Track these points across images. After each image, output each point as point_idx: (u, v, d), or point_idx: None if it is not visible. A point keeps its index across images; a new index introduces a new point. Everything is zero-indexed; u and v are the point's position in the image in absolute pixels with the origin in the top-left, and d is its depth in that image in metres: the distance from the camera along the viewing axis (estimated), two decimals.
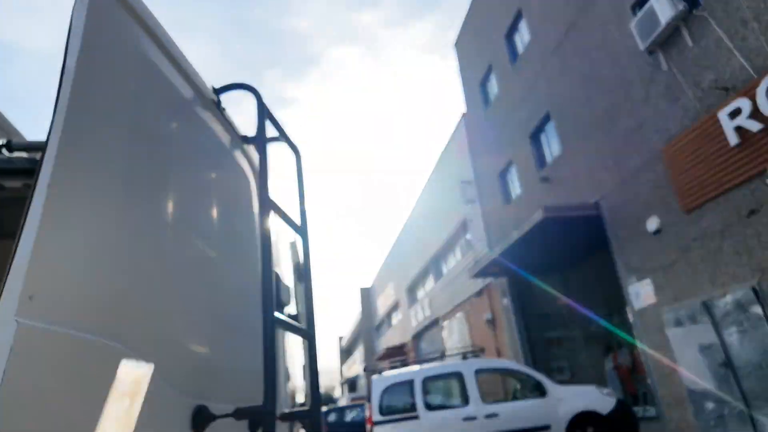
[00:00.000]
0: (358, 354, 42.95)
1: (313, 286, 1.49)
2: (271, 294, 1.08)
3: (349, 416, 15.24)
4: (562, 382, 11.91)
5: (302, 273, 1.51)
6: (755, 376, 6.79)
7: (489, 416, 7.55)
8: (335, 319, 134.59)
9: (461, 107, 18.80)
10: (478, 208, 16.64)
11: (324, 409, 16.79)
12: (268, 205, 1.22)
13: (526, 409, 7.61)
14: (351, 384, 34.08)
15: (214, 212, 1.36)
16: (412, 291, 26.73)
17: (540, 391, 7.72)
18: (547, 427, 7.39)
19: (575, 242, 11.51)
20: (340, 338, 57.24)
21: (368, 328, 40.24)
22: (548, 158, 12.58)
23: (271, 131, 1.51)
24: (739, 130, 6.80)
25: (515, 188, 14.48)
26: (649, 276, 8.77)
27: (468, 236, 17.83)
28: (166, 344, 1.01)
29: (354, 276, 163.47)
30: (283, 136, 1.55)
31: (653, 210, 8.60)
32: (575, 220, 10.03)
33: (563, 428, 7.35)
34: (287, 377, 1.60)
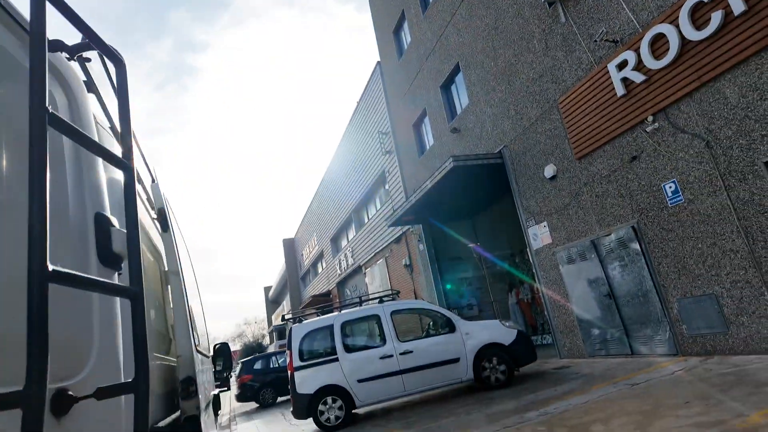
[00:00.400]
0: (286, 303, 43.30)
1: (138, 233, 1.17)
2: (41, 239, 0.77)
3: (277, 362, 15.74)
4: (471, 318, 12.98)
5: (131, 216, 1.14)
6: (632, 305, 7.84)
7: (404, 353, 8.08)
8: (262, 270, 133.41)
9: (376, 56, 18.51)
10: (395, 159, 16.90)
11: (248, 358, 17.02)
12: (41, 122, 0.86)
13: (437, 345, 8.21)
14: (279, 332, 34.68)
15: None
16: (335, 241, 27.05)
17: (450, 327, 8.35)
18: (457, 359, 8.09)
19: (482, 189, 12.19)
20: (267, 288, 57.15)
21: (294, 277, 40.45)
22: (458, 109, 12.94)
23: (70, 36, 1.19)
24: (625, 81, 7.39)
25: (429, 139, 14.83)
26: (545, 219, 9.60)
27: (386, 186, 18.16)
28: None
29: (277, 227, 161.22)
30: (89, 37, 1.17)
31: (550, 158, 9.29)
32: (482, 168, 10.58)
33: (471, 360, 8.09)
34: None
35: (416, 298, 15.51)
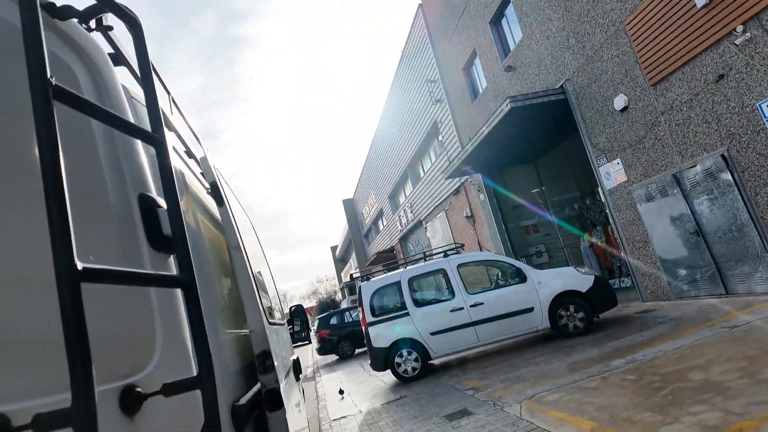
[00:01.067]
0: (352, 261, 44.51)
1: (181, 214, 1.04)
2: (63, 235, 0.68)
3: (351, 317, 16.58)
4: (541, 266, 12.58)
5: (169, 191, 1.02)
6: (724, 241, 7.15)
7: (474, 305, 7.99)
8: (328, 229, 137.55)
9: None
10: (447, 108, 16.26)
11: (324, 314, 17.85)
12: (45, 96, 0.74)
13: (508, 295, 8.03)
14: (350, 288, 35.98)
15: None
16: (393, 197, 27.03)
17: (520, 277, 8.11)
18: (530, 309, 7.88)
19: (544, 130, 11.46)
20: (333, 248, 58.93)
21: (357, 236, 41.26)
22: (511, 45, 12.04)
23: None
24: None
25: (481, 82, 14.04)
26: (618, 155, 8.87)
27: (440, 137, 17.63)
28: None
29: (338, 186, 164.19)
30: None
31: (620, 87, 8.46)
32: (542, 107, 9.87)
33: (546, 309, 7.84)
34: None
35: (480, 249, 15.23)
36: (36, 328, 0.82)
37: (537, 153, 13.58)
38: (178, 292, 1.10)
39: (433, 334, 8.00)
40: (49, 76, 0.75)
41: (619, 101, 8.42)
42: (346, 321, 16.64)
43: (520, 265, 8.30)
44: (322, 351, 16.26)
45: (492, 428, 4.54)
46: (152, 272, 1.02)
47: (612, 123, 8.84)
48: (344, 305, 31.61)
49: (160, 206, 1.11)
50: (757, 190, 6.45)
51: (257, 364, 2.15)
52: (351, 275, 10.20)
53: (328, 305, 52.47)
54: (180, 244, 0.99)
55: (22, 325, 0.81)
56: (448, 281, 8.36)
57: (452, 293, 8.20)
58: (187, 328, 1.08)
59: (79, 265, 0.67)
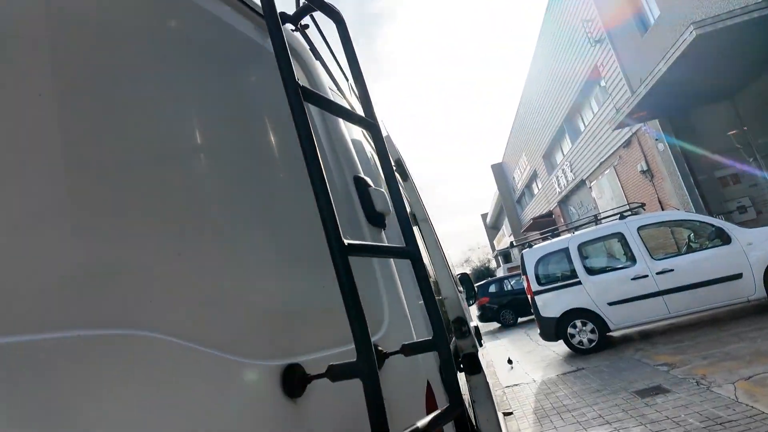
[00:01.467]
0: (505, 228, 43.31)
1: (400, 190, 1.13)
2: (330, 218, 0.79)
3: (510, 284, 16.32)
4: (745, 224, 10.51)
5: (387, 172, 1.12)
6: None
7: (662, 272, 7.06)
8: (474, 198, 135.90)
9: None
10: (608, 47, 14.34)
11: (482, 281, 17.86)
12: (296, 92, 0.86)
13: (707, 260, 6.87)
14: (505, 255, 35.10)
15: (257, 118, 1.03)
16: (548, 157, 25.26)
17: (722, 238, 6.87)
18: (738, 275, 6.63)
19: (743, 57, 9.33)
20: (484, 216, 58.07)
21: (509, 202, 39.85)
22: None
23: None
24: None
25: (653, 10, 11.95)
26: None
27: (603, 83, 15.70)
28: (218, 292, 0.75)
29: (486, 151, 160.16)
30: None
31: None
32: (741, 29, 7.98)
33: (760, 275, 6.53)
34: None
35: (663, 209, 13.31)
36: (316, 295, 0.99)
37: (734, 87, 11.15)
38: (391, 263, 1.23)
39: (611, 304, 7.36)
40: (296, 79, 0.86)
41: None
42: (505, 289, 16.51)
43: (721, 223, 7.06)
44: (482, 318, 16.36)
45: (698, 409, 4.00)
46: (391, 245, 1.15)
47: None
48: (500, 273, 30.97)
49: (370, 185, 1.23)
50: None
51: (454, 329, 2.20)
52: (512, 243, 9.87)
53: (483, 273, 52.23)
54: (403, 218, 1.09)
55: (307, 291, 0.98)
56: (626, 246, 7.53)
57: (633, 259, 7.37)
58: (403, 295, 1.21)
59: (345, 242, 0.80)
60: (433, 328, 0.99)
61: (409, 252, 1.04)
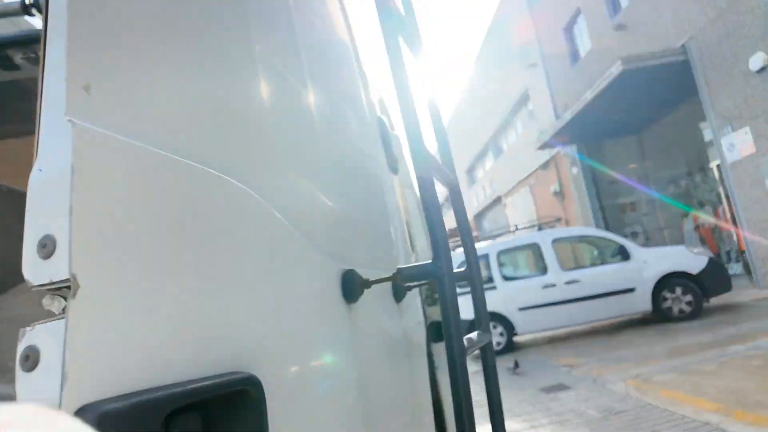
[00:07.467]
0: None
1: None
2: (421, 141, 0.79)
3: None
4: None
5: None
6: None
7: (569, 282, 7.57)
8: None
9: None
10: (540, 74, 15.29)
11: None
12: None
13: (608, 274, 7.52)
14: None
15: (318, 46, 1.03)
16: (471, 171, 26.37)
17: (623, 255, 7.54)
18: (632, 289, 7.31)
19: (654, 97, 10.42)
20: None
21: None
22: (623, 2, 10.94)
23: None
24: None
25: (584, 43, 12.97)
26: (747, 124, 7.84)
27: (530, 106, 16.71)
28: (302, 194, 0.78)
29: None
30: None
31: (759, 44, 7.38)
32: (658, 70, 8.89)
33: (649, 290, 7.24)
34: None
35: (569, 227, 14.42)
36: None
37: (642, 123, 12.39)
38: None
39: (521, 309, 7.73)
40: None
41: (756, 61, 7.36)
42: None
43: (624, 241, 7.74)
44: None
45: (596, 402, 4.35)
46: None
47: (743, 86, 7.78)
48: None
49: (385, 128, 1.35)
50: None
51: (425, 294, 2.16)
52: None
53: None
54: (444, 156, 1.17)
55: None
56: (540, 256, 7.98)
57: (545, 269, 7.83)
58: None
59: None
60: (435, 247, 0.97)
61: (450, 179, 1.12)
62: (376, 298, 0.99)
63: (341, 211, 0.91)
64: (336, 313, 0.77)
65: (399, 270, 0.77)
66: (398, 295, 1.12)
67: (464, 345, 0.76)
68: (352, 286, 0.79)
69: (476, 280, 1.08)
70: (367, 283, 0.82)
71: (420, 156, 0.77)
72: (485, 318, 1.05)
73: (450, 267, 0.75)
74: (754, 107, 7.65)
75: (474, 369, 6.85)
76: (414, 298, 1.02)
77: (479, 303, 1.08)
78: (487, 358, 1.03)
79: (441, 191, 1.08)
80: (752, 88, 7.62)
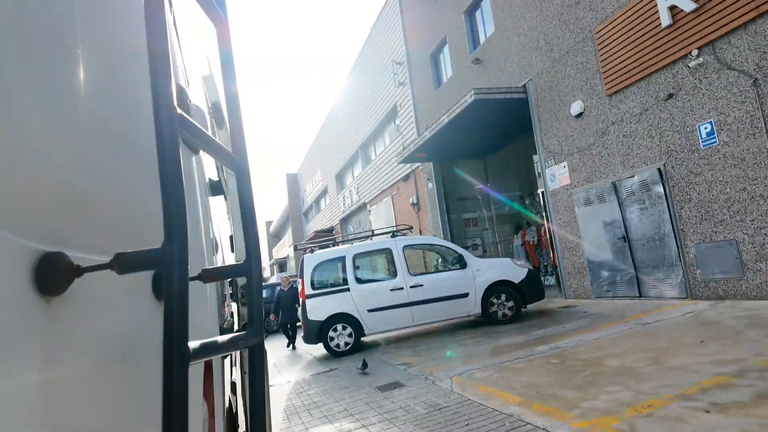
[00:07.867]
0: (287, 238, 43.74)
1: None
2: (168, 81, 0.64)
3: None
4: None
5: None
6: (646, 248, 7.77)
7: (414, 286, 8.15)
8: (263, 205, 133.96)
9: None
10: (408, 92, 16.29)
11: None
12: None
13: (447, 280, 8.27)
14: (281, 265, 35.38)
15: None
16: (340, 177, 26.80)
17: (461, 263, 8.37)
18: (466, 294, 8.15)
19: (500, 127, 11.80)
20: (268, 223, 57.54)
21: (296, 213, 40.59)
22: (482, 38, 12.24)
23: None
24: (672, 9, 6.77)
25: (447, 71, 14.18)
26: (566, 159, 9.32)
27: (398, 121, 17.65)
28: None
29: (280, 162, 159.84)
30: None
31: (578, 93, 8.86)
32: (503, 103, 10.15)
33: (480, 295, 8.16)
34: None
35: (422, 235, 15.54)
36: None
37: (488, 149, 13.97)
38: None
39: (370, 311, 8.07)
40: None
41: (576, 107, 8.83)
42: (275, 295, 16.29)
43: (463, 252, 8.56)
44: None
45: (424, 399, 4.69)
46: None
47: (565, 127, 9.26)
48: (273, 281, 31.02)
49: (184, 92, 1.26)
50: (683, 204, 7.04)
51: (239, 294, 2.15)
52: (296, 246, 10.02)
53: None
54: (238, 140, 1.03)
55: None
56: (391, 261, 8.45)
57: (394, 273, 8.31)
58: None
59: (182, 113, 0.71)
60: (249, 248, 0.91)
61: (235, 163, 0.97)
62: (126, 292, 0.82)
63: (61, 181, 0.66)
64: (22, 309, 0.55)
65: (118, 255, 0.62)
66: (160, 291, 0.93)
67: (188, 351, 0.61)
68: (53, 274, 0.59)
69: (254, 275, 0.96)
70: (79, 271, 0.63)
71: (164, 115, 0.63)
72: (259, 316, 0.94)
73: (184, 254, 0.62)
74: (571, 145, 9.16)
75: (320, 369, 7.00)
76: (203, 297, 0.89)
77: (254, 299, 0.96)
78: (255, 359, 0.91)
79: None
80: (572, 129, 9.11)
